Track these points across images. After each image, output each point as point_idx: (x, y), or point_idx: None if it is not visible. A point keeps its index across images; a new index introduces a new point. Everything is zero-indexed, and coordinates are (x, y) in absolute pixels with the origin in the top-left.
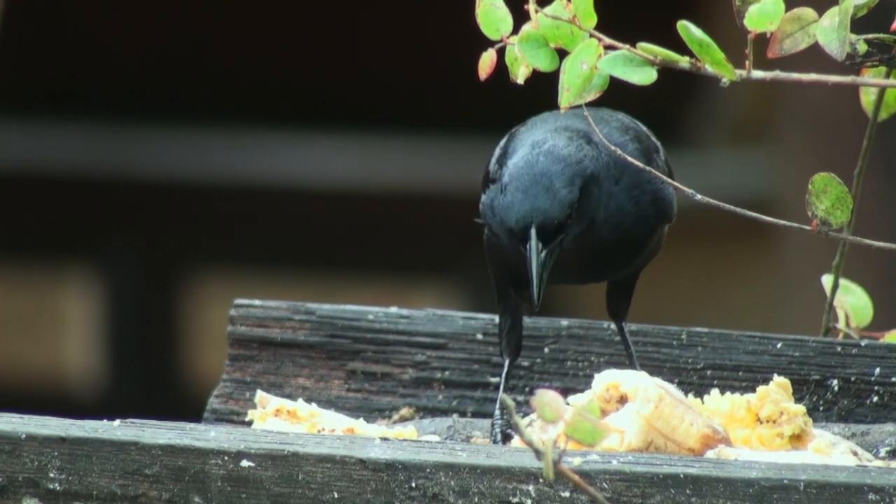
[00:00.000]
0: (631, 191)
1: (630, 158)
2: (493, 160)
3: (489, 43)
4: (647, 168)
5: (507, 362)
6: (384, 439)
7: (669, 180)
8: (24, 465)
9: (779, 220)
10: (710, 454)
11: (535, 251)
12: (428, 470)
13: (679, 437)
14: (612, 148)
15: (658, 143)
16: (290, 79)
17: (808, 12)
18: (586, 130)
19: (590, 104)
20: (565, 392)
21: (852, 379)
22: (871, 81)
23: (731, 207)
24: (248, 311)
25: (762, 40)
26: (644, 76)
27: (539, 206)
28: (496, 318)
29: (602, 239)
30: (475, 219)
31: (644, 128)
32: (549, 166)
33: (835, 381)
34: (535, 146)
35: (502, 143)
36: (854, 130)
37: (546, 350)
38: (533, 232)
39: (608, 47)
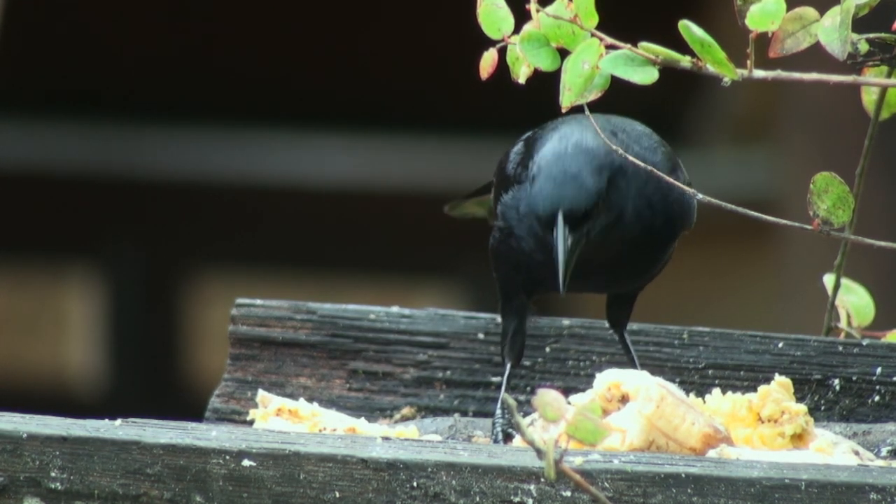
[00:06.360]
0: (661, 190)
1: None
2: (512, 163)
3: (490, 42)
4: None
5: (508, 366)
6: (386, 439)
7: (677, 182)
8: (26, 465)
9: (780, 219)
10: (711, 454)
11: (561, 236)
12: (429, 469)
13: (680, 436)
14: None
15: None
16: (290, 79)
17: (809, 12)
18: (614, 128)
19: (592, 104)
20: (567, 391)
21: (854, 378)
22: (872, 81)
23: (733, 207)
24: (250, 310)
25: (763, 40)
26: (645, 76)
27: (566, 194)
28: (498, 318)
29: (631, 237)
30: (494, 221)
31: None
32: (577, 157)
33: (836, 381)
34: (563, 139)
35: (517, 147)
36: (855, 130)
37: (547, 349)
38: (560, 218)
39: (609, 47)
